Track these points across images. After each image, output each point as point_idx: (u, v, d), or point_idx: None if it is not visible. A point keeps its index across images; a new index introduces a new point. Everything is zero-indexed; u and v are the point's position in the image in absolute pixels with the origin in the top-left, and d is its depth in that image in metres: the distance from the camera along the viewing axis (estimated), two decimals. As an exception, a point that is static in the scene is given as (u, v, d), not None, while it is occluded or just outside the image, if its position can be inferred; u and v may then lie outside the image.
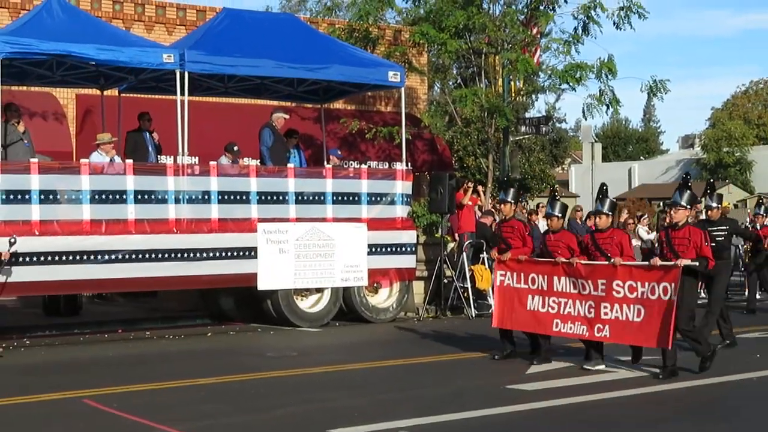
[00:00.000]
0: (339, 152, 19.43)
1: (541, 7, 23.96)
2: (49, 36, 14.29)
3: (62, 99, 20.84)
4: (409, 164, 18.28)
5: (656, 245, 13.32)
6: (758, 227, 19.20)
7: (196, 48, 15.45)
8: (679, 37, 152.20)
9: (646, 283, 11.37)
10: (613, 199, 12.56)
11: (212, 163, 15.50)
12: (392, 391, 10.73)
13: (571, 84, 22.98)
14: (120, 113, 17.42)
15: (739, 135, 59.76)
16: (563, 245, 12.36)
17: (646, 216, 23.65)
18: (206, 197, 15.20)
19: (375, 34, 24.18)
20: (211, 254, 15.13)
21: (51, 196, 14.09)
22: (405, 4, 25.12)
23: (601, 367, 11.95)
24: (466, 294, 18.13)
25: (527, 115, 30.32)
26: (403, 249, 16.90)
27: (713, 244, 13.40)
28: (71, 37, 14.43)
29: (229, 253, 15.30)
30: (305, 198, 16.08)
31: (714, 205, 14.18)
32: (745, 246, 20.51)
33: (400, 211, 16.79)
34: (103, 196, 14.41)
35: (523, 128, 26.02)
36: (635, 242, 20.92)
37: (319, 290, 16.53)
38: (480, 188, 21.21)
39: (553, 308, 12.36)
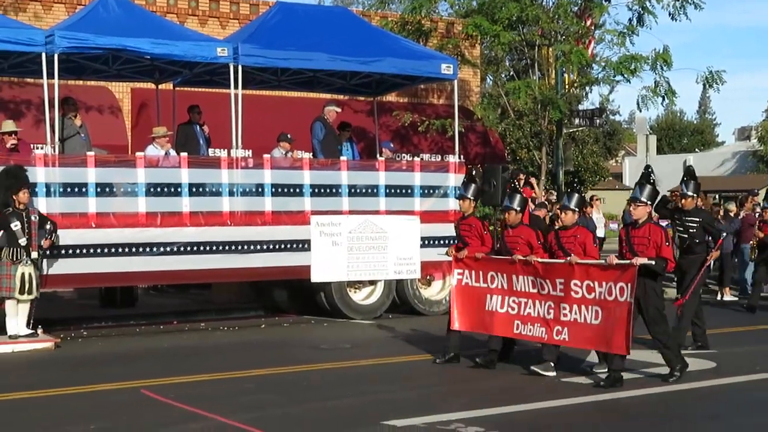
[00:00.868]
0: (392, 145, 19.43)
1: (595, -1, 23.76)
2: (105, 31, 14.44)
3: (118, 93, 21.04)
4: (462, 157, 18.23)
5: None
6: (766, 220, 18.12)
7: (249, 42, 15.52)
8: (734, 28, 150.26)
9: (604, 283, 10.51)
10: (582, 195, 11.66)
11: (266, 156, 15.59)
12: (446, 383, 10.73)
13: (625, 75, 22.74)
14: (174, 107, 17.56)
15: (797, 126, 58.77)
16: (522, 241, 11.51)
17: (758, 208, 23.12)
18: (260, 190, 15.29)
19: (427, 27, 24.13)
20: (264, 247, 15.22)
21: (107, 189, 14.26)
22: (457, -4, 25.01)
23: (552, 374, 10.97)
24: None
25: (581, 107, 30.07)
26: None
27: (685, 236, 13.01)
28: (126, 32, 14.56)
29: (282, 246, 15.38)
30: (358, 191, 16.12)
31: (689, 193, 12.92)
32: (753, 241, 19.12)
33: (453, 203, 16.75)
34: (158, 189, 14.56)
35: (576, 120, 25.79)
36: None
37: (372, 283, 16.56)
38: (533, 180, 21.10)
39: (513, 309, 11.49)
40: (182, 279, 15.81)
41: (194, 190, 14.78)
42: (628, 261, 10.42)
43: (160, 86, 17.93)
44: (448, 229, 16.64)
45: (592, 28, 23.93)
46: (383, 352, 12.90)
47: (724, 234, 17.43)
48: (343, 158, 16.42)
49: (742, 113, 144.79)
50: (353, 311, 16.29)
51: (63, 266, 13.89)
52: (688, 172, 13.20)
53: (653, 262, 10.39)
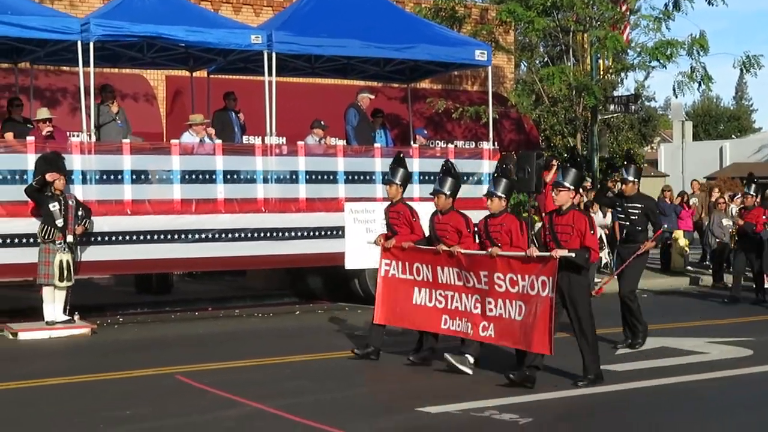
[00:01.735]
0: (425, 132, 19.39)
1: (631, -16, 23.57)
2: (140, 18, 14.49)
3: (152, 80, 21.15)
4: (496, 143, 18.16)
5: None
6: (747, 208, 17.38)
7: (283, 29, 15.53)
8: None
9: (527, 277, 9.68)
10: (509, 181, 10.49)
11: (300, 143, 15.61)
12: (478, 371, 10.70)
13: (661, 61, 22.56)
14: (209, 94, 17.62)
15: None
16: (451, 228, 10.66)
17: (739, 195, 22.96)
18: (294, 177, 15.31)
19: (461, 13, 24.05)
20: (298, 233, 15.26)
21: (143, 176, 14.34)
22: (492, -18, 24.94)
23: (468, 371, 10.23)
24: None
25: (616, 93, 29.87)
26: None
27: (626, 224, 12.28)
28: (161, 20, 14.61)
29: (316, 233, 15.41)
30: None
31: (630, 178, 12.22)
32: (733, 229, 18.49)
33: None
34: (193, 176, 14.62)
35: (611, 107, 25.61)
36: (726, 222, 20.44)
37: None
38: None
39: (440, 302, 10.71)
40: (217, 266, 15.86)
41: (229, 177, 14.84)
42: (548, 254, 9.55)
43: (194, 74, 18.02)
44: (481, 216, 16.60)
45: (628, 13, 23.73)
46: (416, 338, 12.87)
47: (665, 225, 16.70)
48: (376, 145, 16.41)
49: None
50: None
51: (99, 253, 13.99)
52: (628, 156, 12.73)
53: (573, 255, 9.48)
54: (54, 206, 13.19)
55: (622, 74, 27.88)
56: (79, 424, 8.41)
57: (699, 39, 22.49)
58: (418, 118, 22.11)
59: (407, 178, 11.77)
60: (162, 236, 14.35)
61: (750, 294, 17.16)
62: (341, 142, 17.25)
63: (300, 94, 20.42)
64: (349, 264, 15.67)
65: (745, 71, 23.55)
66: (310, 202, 15.41)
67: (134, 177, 14.22)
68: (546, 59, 30.60)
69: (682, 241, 22.03)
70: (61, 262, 13.22)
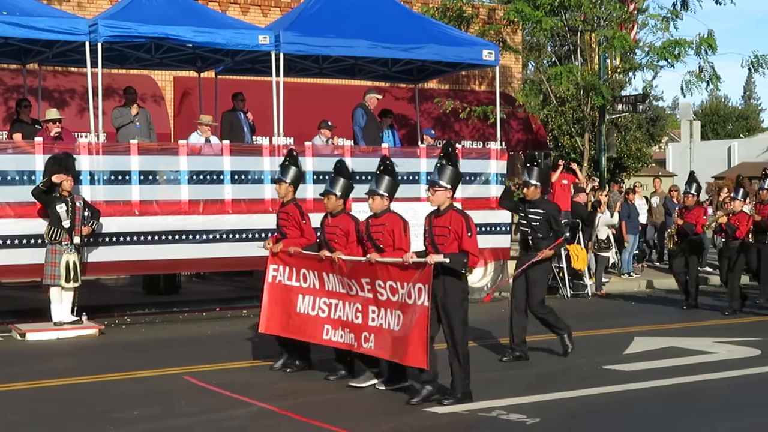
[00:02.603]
0: (433, 132, 19.38)
1: (639, -17, 23.54)
2: (148, 19, 14.50)
3: (160, 81, 21.18)
4: (504, 143, 18.15)
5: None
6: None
7: (291, 29, 15.54)
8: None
9: (405, 284, 9.03)
10: (392, 179, 9.97)
11: (307, 143, 15.62)
12: (489, 370, 10.70)
13: (669, 60, 22.52)
14: (217, 95, 17.63)
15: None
16: (341, 232, 10.01)
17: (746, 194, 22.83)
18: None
19: (469, 13, 24.03)
20: (306, 234, 15.22)
21: (150, 177, 14.36)
22: (499, -18, 24.93)
23: (373, 382, 9.75)
24: (561, 274, 18.02)
25: (624, 92, 29.86)
26: (498, 228, 16.82)
27: (527, 230, 11.48)
28: (169, 20, 14.63)
29: (324, 233, 15.38)
30: (399, 178, 15.98)
31: (532, 182, 11.49)
32: (671, 229, 17.28)
33: (495, 190, 16.69)
34: (201, 177, 14.64)
35: (619, 106, 25.59)
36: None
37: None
38: (575, 166, 20.99)
39: (323, 311, 10.04)
40: (225, 266, 15.88)
41: (236, 177, 14.85)
42: (423, 260, 8.92)
43: (202, 74, 18.03)
44: (490, 216, 16.64)
45: (635, 12, 23.71)
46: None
47: (567, 234, 15.84)
48: (384, 145, 16.41)
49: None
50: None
51: (107, 254, 14.01)
52: (531, 158, 11.86)
53: (448, 260, 8.79)
54: (61, 208, 13.21)
55: (630, 74, 27.82)
56: (87, 424, 8.43)
57: (707, 38, 22.44)
58: (426, 118, 22.11)
59: (299, 177, 11.06)
60: (170, 237, 14.37)
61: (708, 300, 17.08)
62: (349, 143, 17.26)
63: (308, 94, 20.44)
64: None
65: (753, 71, 23.53)
66: (317, 203, 15.36)
67: (142, 178, 14.23)
68: (554, 59, 30.62)
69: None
70: (67, 263, 13.25)
